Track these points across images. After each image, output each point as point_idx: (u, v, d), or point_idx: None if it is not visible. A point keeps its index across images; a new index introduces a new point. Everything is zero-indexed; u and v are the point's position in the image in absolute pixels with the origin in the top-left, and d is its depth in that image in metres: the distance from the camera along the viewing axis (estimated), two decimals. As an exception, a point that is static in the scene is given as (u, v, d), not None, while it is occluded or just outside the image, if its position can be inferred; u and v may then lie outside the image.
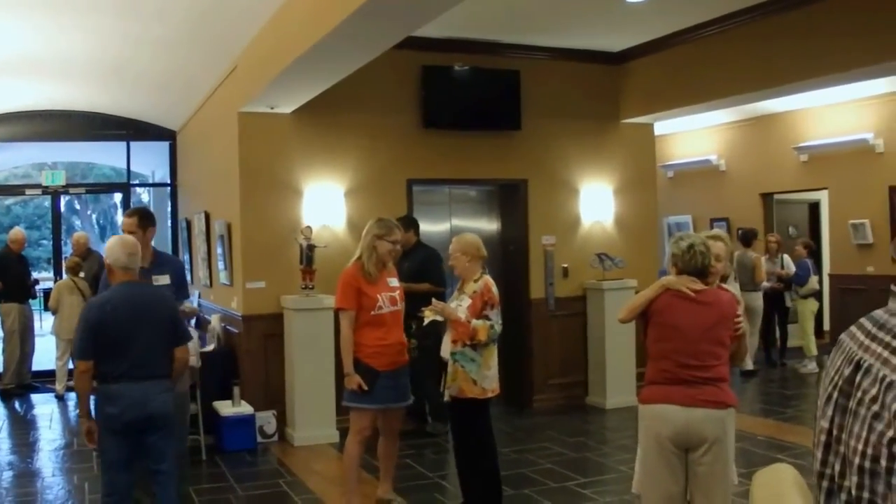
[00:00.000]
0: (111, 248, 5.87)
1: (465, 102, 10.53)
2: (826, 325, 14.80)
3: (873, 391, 1.84)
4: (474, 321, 6.42)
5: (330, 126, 10.02)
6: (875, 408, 1.82)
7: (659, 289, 5.13)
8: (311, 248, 9.45)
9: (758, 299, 12.97)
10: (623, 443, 9.10)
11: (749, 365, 12.59)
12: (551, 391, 11.24)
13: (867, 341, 1.95)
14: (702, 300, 5.03)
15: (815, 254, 14.80)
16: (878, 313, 1.99)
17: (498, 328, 6.55)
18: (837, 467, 1.95)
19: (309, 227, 9.57)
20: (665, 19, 9.94)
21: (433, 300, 6.72)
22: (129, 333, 5.61)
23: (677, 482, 5.02)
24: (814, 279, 13.36)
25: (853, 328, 2.07)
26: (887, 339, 1.88)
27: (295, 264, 9.57)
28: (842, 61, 8.69)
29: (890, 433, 1.77)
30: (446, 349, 6.62)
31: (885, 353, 1.86)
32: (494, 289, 6.61)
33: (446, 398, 6.60)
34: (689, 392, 4.93)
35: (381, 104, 10.29)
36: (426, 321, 6.74)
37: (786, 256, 13.63)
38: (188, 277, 7.46)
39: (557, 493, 7.65)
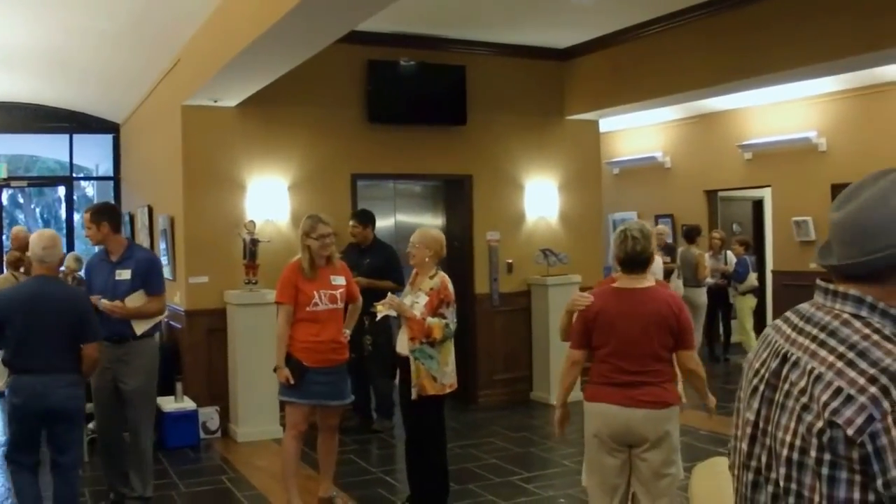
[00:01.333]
0: (31, 241, 6.09)
1: (411, 97, 10.57)
2: (769, 321, 14.97)
3: (802, 383, 1.94)
4: (429, 319, 6.49)
5: (274, 120, 10.02)
6: (804, 399, 1.92)
7: (565, 315, 5.32)
8: (254, 242, 9.46)
9: (701, 296, 13.14)
10: (568, 437, 9.06)
11: (694, 360, 12.74)
12: (496, 387, 11.34)
13: (794, 334, 2.04)
14: (640, 300, 5.06)
15: (758, 251, 15.03)
16: (804, 307, 2.08)
17: (453, 326, 6.65)
18: (764, 459, 2.04)
19: (252, 222, 9.56)
20: (611, 16, 10.07)
21: (389, 295, 6.81)
22: (29, 327, 5.78)
23: (620, 475, 5.10)
24: (753, 276, 13.60)
25: (779, 321, 2.15)
26: (814, 331, 1.98)
27: (238, 259, 9.57)
28: (785, 60, 8.86)
29: (819, 424, 1.86)
30: (403, 345, 6.67)
31: (813, 346, 1.96)
32: (451, 287, 6.71)
33: (413, 396, 6.63)
34: (629, 393, 4.98)
35: (325, 98, 10.30)
36: (379, 316, 6.79)
37: (729, 253, 13.87)
38: (163, 271, 7.46)
39: (501, 487, 7.75)
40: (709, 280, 13.33)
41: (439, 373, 6.57)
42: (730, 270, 13.67)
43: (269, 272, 9.15)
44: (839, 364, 1.88)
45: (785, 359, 2.03)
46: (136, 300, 6.80)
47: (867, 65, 9.43)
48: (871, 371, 1.82)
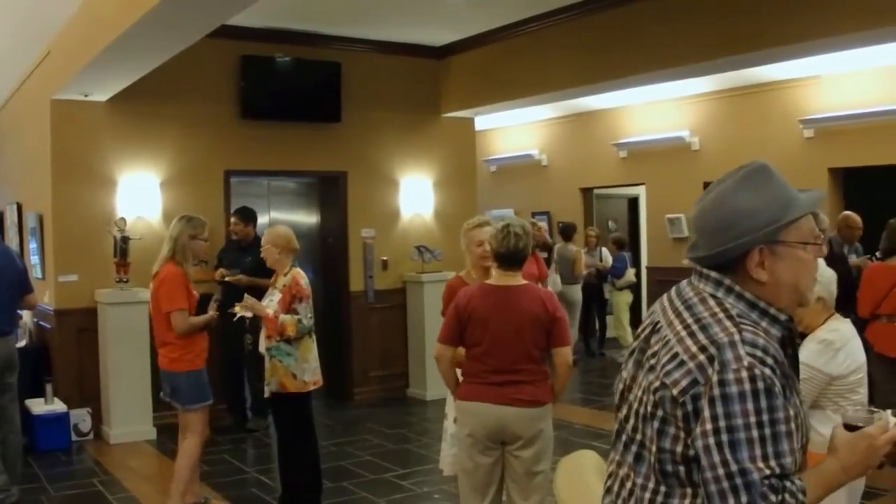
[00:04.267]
0: None
1: (285, 93, 10.70)
2: (644, 316, 15.37)
3: (656, 348, 2.38)
4: (282, 316, 6.54)
5: (146, 115, 10.02)
6: (653, 361, 2.37)
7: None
8: (125, 240, 9.46)
9: (577, 292, 13.58)
10: (442, 434, 9.37)
11: (569, 356, 13.08)
12: (372, 383, 11.55)
13: (667, 306, 2.49)
14: (514, 298, 5.15)
15: (633, 247, 15.44)
16: (682, 283, 2.53)
17: (307, 322, 6.66)
18: (624, 412, 2.47)
19: (123, 219, 9.57)
20: (487, 15, 10.35)
21: (245, 295, 6.83)
22: None
23: (492, 473, 5.24)
24: (630, 272, 14.04)
25: (664, 295, 2.59)
26: (678, 305, 2.43)
27: (109, 257, 9.54)
28: (654, 61, 9.31)
29: (656, 383, 2.31)
30: (262, 344, 6.79)
31: (673, 317, 2.40)
32: (304, 282, 6.74)
33: (266, 394, 6.75)
34: (502, 391, 5.06)
35: (199, 94, 10.34)
36: (237, 316, 6.82)
37: (604, 249, 14.31)
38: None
39: (376, 484, 7.92)
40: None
41: (299, 370, 6.63)
42: (605, 267, 14.08)
43: (141, 270, 9.08)
44: (683, 333, 2.30)
45: (654, 326, 2.46)
46: None
47: (732, 67, 9.94)
48: (705, 342, 2.24)
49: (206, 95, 10.40)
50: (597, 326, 14.88)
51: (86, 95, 9.52)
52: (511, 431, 5.10)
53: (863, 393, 4.41)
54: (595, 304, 14.59)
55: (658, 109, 13.61)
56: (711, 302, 2.34)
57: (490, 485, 5.23)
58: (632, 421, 2.41)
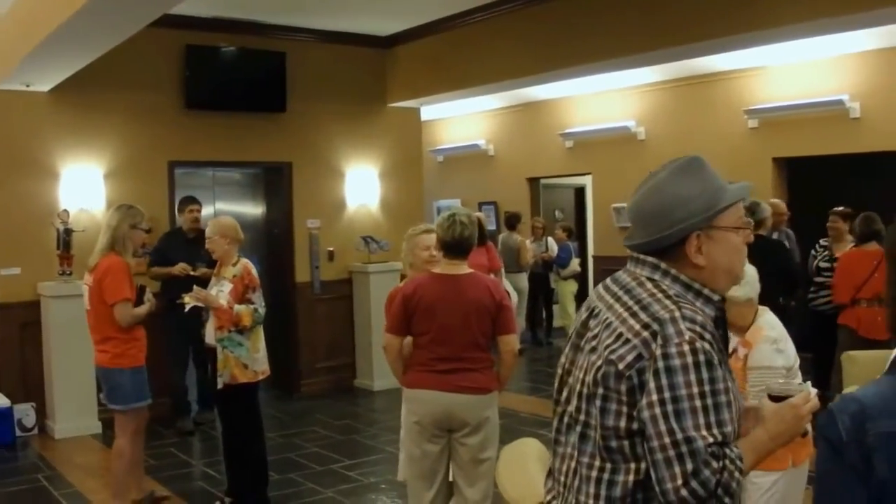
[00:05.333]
0: None
1: (230, 83, 10.69)
2: (585, 305, 15.50)
3: (596, 330, 2.52)
4: (237, 306, 6.59)
5: (89, 105, 9.97)
6: (594, 343, 2.50)
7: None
8: (68, 232, 9.41)
9: (523, 281, 13.71)
10: (391, 424, 9.38)
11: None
12: (319, 375, 11.61)
13: (603, 292, 2.63)
14: (461, 286, 5.24)
15: (580, 237, 15.58)
16: (618, 272, 2.67)
17: (262, 311, 6.75)
18: (565, 395, 2.60)
19: (66, 211, 9.52)
20: (433, 5, 10.42)
21: (194, 287, 6.85)
22: None
23: (439, 461, 5.33)
24: (575, 261, 14.19)
25: (601, 283, 2.75)
26: (616, 290, 2.57)
27: (52, 249, 9.49)
28: (599, 50, 9.45)
29: (599, 362, 2.44)
30: (211, 335, 6.77)
31: (611, 301, 2.54)
32: (255, 272, 6.82)
33: (220, 386, 6.72)
34: (449, 379, 5.16)
35: (142, 84, 10.30)
36: (186, 308, 6.80)
37: (550, 239, 14.45)
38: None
39: (323, 476, 7.98)
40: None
41: (250, 360, 6.68)
42: (551, 256, 14.19)
43: (84, 263, 8.98)
44: (625, 315, 2.44)
45: (591, 312, 2.60)
46: None
47: (676, 57, 10.16)
48: (647, 320, 2.38)
49: (150, 85, 10.36)
50: (544, 316, 15.01)
51: (27, 85, 9.46)
52: (458, 418, 5.19)
53: (800, 376, 4.57)
54: (542, 294, 14.75)
55: (604, 100, 13.72)
56: (649, 284, 2.48)
57: (437, 472, 5.31)
58: (574, 402, 2.52)
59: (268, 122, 11.12)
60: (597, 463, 2.43)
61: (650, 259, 2.53)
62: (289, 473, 7.98)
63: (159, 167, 10.43)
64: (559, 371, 2.64)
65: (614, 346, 2.39)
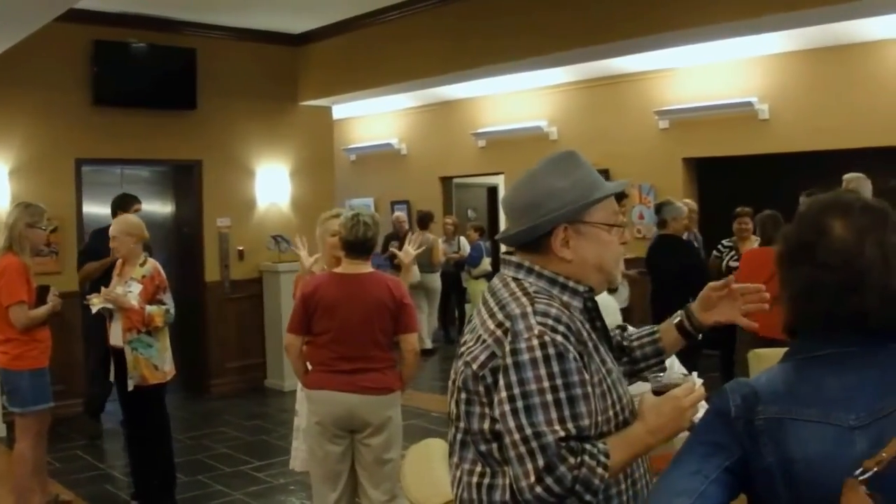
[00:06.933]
0: None
1: (139, 80, 10.64)
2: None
3: (466, 336, 2.56)
4: (149, 307, 6.56)
5: (-7, 101, 9.89)
6: (462, 349, 2.55)
7: None
8: (-30, 231, 9.24)
9: (435, 280, 13.87)
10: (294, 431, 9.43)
11: (428, 344, 13.39)
12: (229, 374, 11.59)
13: (480, 299, 2.67)
14: (361, 286, 5.26)
15: (492, 236, 15.67)
16: (495, 276, 2.71)
17: (173, 311, 6.73)
18: (453, 408, 2.60)
19: (-31, 209, 9.37)
20: (345, 3, 10.48)
21: (102, 288, 6.73)
22: None
23: (342, 462, 5.34)
24: (486, 261, 14.28)
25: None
26: (486, 294, 2.62)
27: (-47, 249, 9.31)
28: (511, 50, 9.62)
29: (461, 367, 2.50)
30: (117, 337, 6.67)
31: (481, 306, 2.59)
32: (163, 272, 6.80)
33: (130, 388, 6.61)
34: (350, 379, 5.18)
35: (48, 80, 10.20)
36: (94, 309, 6.68)
37: (462, 238, 14.56)
38: None
39: (232, 477, 7.98)
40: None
41: (160, 360, 6.66)
42: (463, 256, 14.30)
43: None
44: (486, 317, 2.49)
45: (470, 319, 2.65)
46: None
47: (587, 58, 10.37)
48: (501, 319, 2.42)
49: (56, 81, 10.26)
50: (456, 315, 15.14)
51: (-72, 81, 9.32)
52: (359, 419, 5.23)
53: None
54: (454, 293, 14.89)
55: (517, 99, 13.85)
56: (513, 284, 2.50)
57: (340, 473, 5.34)
58: (454, 409, 2.55)
59: (177, 120, 11.08)
60: (477, 468, 2.45)
61: (514, 258, 2.57)
62: (197, 475, 7.96)
63: (66, 165, 10.33)
64: (450, 383, 2.63)
65: (473, 348, 2.44)
